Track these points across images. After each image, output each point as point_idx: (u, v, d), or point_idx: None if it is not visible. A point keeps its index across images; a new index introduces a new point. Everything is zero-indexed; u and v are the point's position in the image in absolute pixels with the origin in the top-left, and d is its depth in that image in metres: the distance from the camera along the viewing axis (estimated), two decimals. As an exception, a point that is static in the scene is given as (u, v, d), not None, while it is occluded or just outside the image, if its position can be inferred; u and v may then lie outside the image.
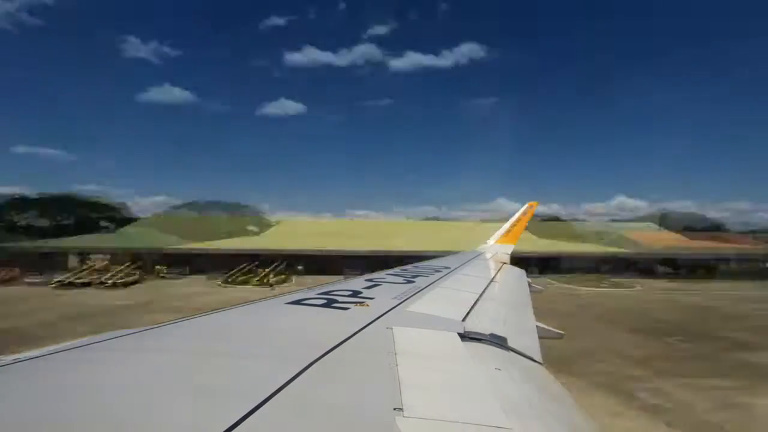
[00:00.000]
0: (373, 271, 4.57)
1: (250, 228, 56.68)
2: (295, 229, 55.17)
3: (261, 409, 1.14)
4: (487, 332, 2.34)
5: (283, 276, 34.58)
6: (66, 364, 1.52)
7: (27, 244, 43.84)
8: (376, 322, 2.26)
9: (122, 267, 33.86)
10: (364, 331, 2.06)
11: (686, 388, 11.44)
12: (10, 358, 1.52)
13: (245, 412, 1.10)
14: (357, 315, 2.41)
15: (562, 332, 3.47)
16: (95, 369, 1.48)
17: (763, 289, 31.34)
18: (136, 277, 32.68)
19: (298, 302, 2.68)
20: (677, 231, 63.17)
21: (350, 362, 1.63)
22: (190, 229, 50.49)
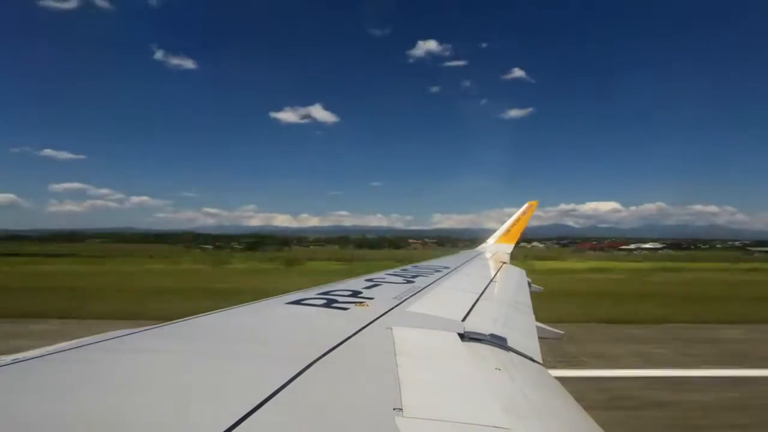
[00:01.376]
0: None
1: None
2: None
3: (261, 409, 1.14)
4: (487, 332, 2.34)
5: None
6: (66, 364, 1.51)
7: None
8: (376, 322, 2.25)
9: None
10: (363, 331, 2.05)
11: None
12: (9, 358, 1.52)
13: (245, 412, 1.10)
14: (357, 315, 2.41)
15: (562, 332, 3.46)
16: (95, 369, 1.48)
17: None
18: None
19: (297, 302, 2.68)
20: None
21: (350, 362, 1.63)
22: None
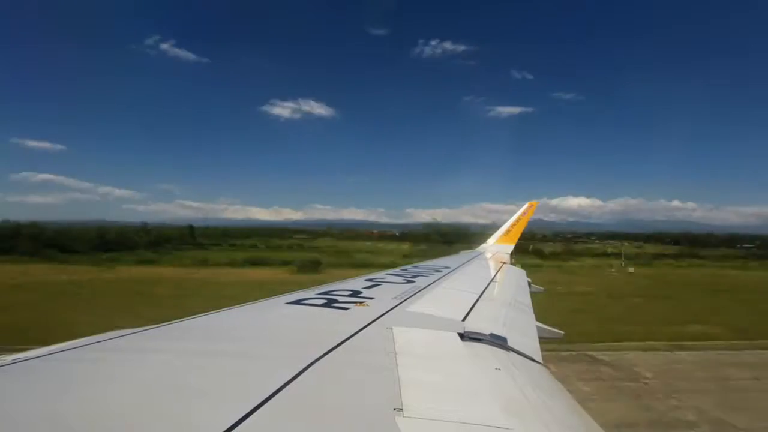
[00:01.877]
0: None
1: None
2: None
3: (261, 409, 1.14)
4: (487, 332, 2.34)
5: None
6: (66, 364, 1.51)
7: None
8: (376, 322, 2.26)
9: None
10: (364, 331, 2.06)
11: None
12: (10, 358, 1.52)
13: (245, 412, 1.10)
14: (357, 315, 2.41)
15: (561, 332, 3.46)
16: (95, 369, 1.48)
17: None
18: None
19: (298, 302, 2.68)
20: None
21: (350, 362, 1.63)
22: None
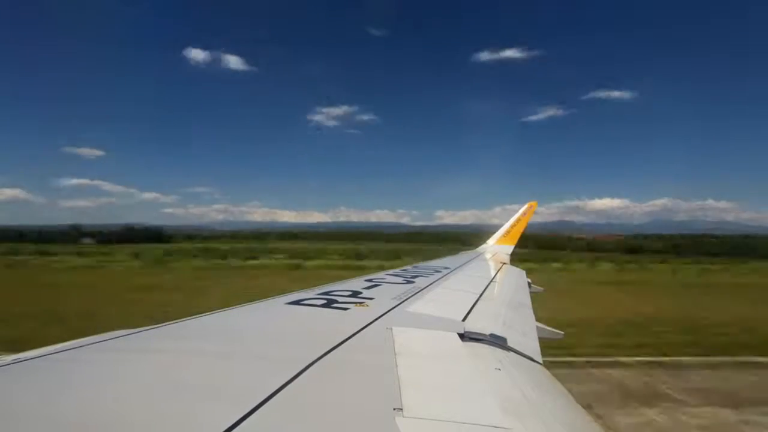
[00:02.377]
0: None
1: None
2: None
3: (261, 409, 1.14)
4: (487, 332, 2.34)
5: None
6: (66, 364, 1.51)
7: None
8: (376, 322, 2.26)
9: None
10: (363, 331, 2.06)
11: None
12: (9, 358, 1.52)
13: (245, 412, 1.10)
14: (357, 315, 2.41)
15: (561, 332, 3.47)
16: (95, 369, 1.48)
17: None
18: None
19: (297, 302, 2.68)
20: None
21: (350, 362, 1.63)
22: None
